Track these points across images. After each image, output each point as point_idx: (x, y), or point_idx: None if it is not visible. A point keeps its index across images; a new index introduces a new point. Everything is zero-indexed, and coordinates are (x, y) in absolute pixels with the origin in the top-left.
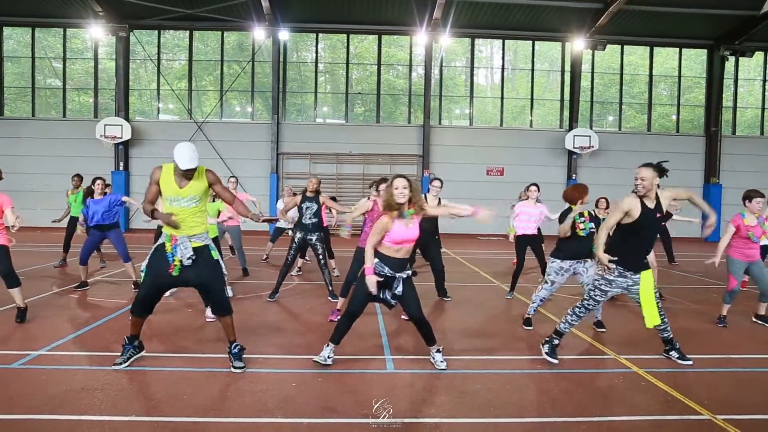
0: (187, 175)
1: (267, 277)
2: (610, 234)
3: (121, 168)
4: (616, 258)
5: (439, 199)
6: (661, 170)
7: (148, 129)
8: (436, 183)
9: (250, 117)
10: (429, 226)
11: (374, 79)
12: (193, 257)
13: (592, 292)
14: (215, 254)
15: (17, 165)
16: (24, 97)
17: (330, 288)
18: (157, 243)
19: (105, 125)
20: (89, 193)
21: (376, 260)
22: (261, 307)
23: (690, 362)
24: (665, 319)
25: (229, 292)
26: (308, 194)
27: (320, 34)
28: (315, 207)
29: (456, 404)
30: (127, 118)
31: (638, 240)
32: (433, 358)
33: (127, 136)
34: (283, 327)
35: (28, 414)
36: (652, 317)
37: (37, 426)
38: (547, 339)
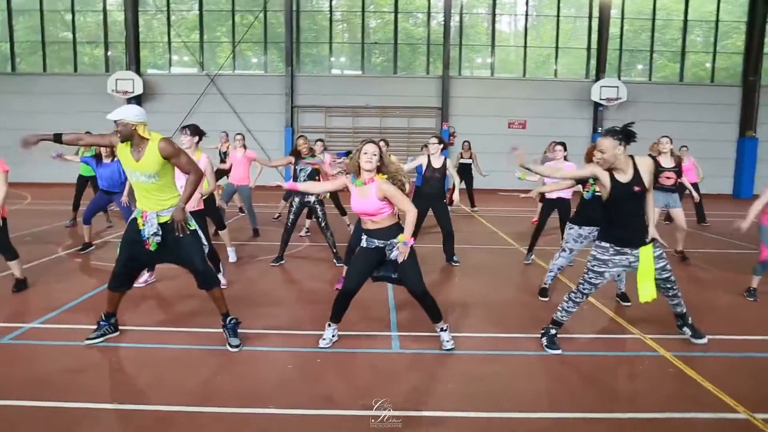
0: (139, 144)
1: (277, 238)
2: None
3: None
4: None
5: (445, 159)
6: (627, 136)
7: (160, 83)
8: (433, 141)
9: (264, 69)
10: (432, 189)
11: (392, 28)
12: (160, 233)
13: (585, 275)
14: (192, 224)
15: (31, 121)
16: (36, 52)
17: (334, 251)
18: (132, 216)
19: (116, 80)
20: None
21: (365, 236)
22: (264, 273)
23: (704, 341)
24: (678, 292)
25: (233, 257)
26: (302, 156)
27: None
28: (309, 168)
29: (464, 395)
30: (138, 72)
31: (621, 215)
32: (441, 338)
33: (138, 90)
34: (285, 296)
35: (7, 399)
36: (647, 291)
37: (14, 413)
38: (543, 329)
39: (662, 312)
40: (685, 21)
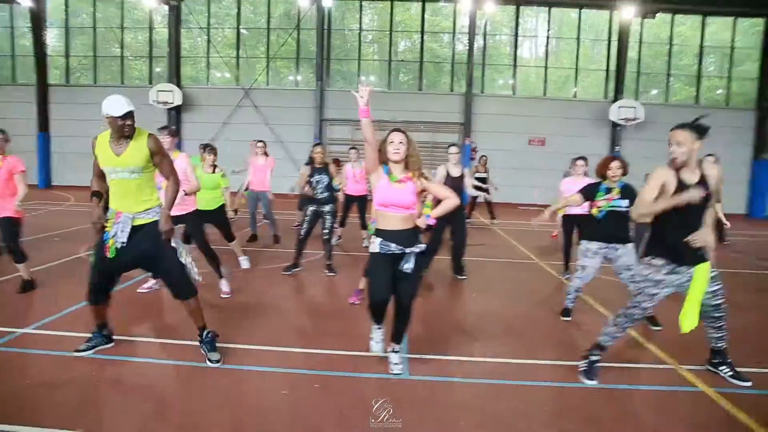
0: (124, 133)
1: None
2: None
3: None
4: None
5: (463, 168)
6: (700, 131)
7: (198, 95)
8: (453, 149)
9: (295, 84)
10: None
11: (418, 48)
12: (124, 243)
13: (636, 298)
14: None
15: (81, 128)
16: (88, 67)
17: (328, 262)
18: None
19: (158, 91)
20: None
21: (380, 239)
22: (275, 282)
23: (749, 383)
24: (725, 324)
25: (246, 264)
26: (317, 166)
27: (364, 2)
28: (326, 179)
29: None
30: (178, 85)
31: (681, 224)
32: (390, 359)
33: (178, 101)
34: (288, 309)
35: None
36: (691, 319)
37: None
38: (584, 354)
39: (698, 337)
40: (701, 47)
